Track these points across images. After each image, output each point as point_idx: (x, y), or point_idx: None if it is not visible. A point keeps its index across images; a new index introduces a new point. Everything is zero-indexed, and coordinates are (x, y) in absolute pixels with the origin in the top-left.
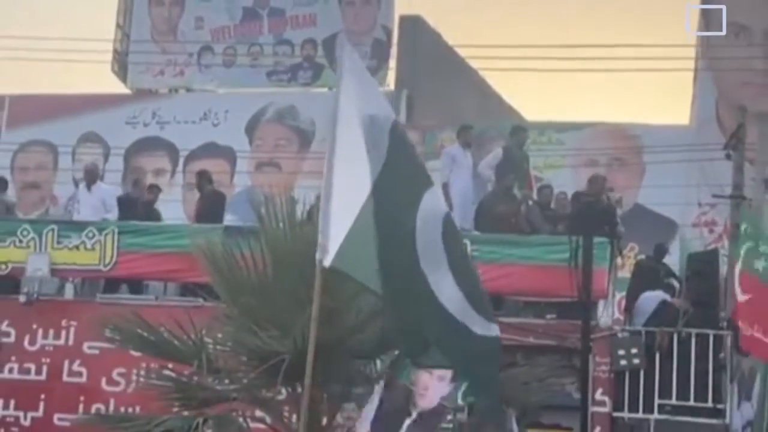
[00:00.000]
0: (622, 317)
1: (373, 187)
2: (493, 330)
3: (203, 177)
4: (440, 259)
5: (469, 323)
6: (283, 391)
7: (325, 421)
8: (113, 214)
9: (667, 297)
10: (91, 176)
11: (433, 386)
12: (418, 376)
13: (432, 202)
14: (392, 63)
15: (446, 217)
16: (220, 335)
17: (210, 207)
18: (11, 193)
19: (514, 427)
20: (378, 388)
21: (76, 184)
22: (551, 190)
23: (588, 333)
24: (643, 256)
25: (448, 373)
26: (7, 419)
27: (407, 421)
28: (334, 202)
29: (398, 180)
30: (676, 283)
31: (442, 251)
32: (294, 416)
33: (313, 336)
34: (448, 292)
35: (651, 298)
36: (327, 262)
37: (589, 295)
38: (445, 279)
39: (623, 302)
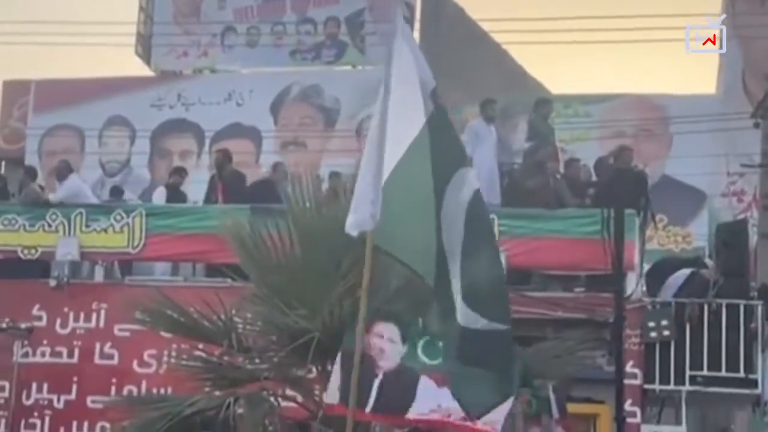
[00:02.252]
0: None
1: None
2: (480, 323)
3: (225, 156)
4: (457, 242)
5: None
6: (314, 369)
7: None
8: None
9: (696, 269)
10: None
11: (388, 349)
12: (369, 340)
13: (464, 181)
14: (415, 38)
15: (474, 197)
16: (249, 315)
17: (233, 187)
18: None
19: (552, 397)
20: (338, 358)
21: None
22: (579, 163)
23: (621, 305)
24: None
25: (397, 335)
26: (41, 402)
27: (375, 383)
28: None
29: (434, 153)
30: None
31: (461, 233)
32: (324, 394)
33: (363, 309)
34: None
35: (681, 274)
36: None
37: (622, 267)
38: (456, 263)
39: None
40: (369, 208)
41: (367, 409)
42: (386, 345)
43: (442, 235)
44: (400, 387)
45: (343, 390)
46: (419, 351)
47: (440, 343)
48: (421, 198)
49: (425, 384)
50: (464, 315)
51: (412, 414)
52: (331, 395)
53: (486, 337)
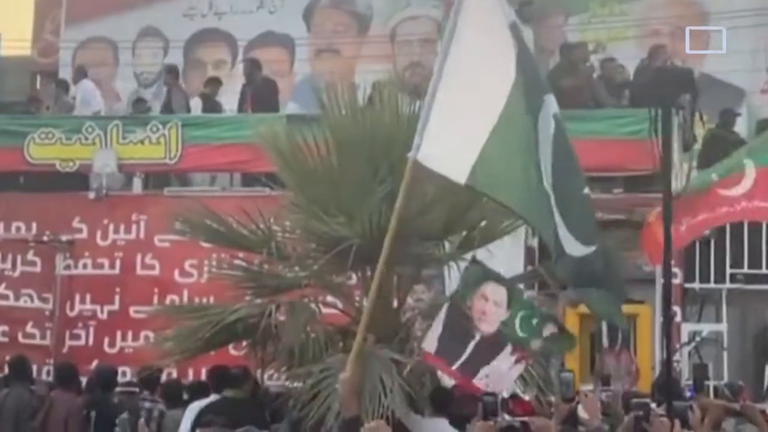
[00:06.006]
0: None
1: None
2: (581, 250)
3: (255, 65)
4: (548, 172)
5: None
6: (353, 275)
7: (396, 303)
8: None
9: None
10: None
11: (491, 311)
12: (474, 302)
13: (543, 106)
14: None
15: (556, 123)
16: (288, 223)
17: (264, 94)
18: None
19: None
20: (444, 308)
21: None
22: (615, 62)
23: (669, 204)
24: (712, 125)
25: (504, 299)
26: (85, 313)
27: (471, 344)
28: (443, 99)
29: (526, 89)
30: None
31: (550, 162)
32: (365, 300)
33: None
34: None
35: None
36: (423, 160)
37: (670, 166)
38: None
39: None
40: (420, 133)
41: (454, 366)
42: (490, 308)
43: (542, 168)
44: (488, 353)
45: (441, 342)
46: (517, 321)
47: (534, 321)
48: (524, 137)
49: (505, 355)
50: (573, 246)
51: (477, 379)
52: (429, 344)
53: (591, 260)
